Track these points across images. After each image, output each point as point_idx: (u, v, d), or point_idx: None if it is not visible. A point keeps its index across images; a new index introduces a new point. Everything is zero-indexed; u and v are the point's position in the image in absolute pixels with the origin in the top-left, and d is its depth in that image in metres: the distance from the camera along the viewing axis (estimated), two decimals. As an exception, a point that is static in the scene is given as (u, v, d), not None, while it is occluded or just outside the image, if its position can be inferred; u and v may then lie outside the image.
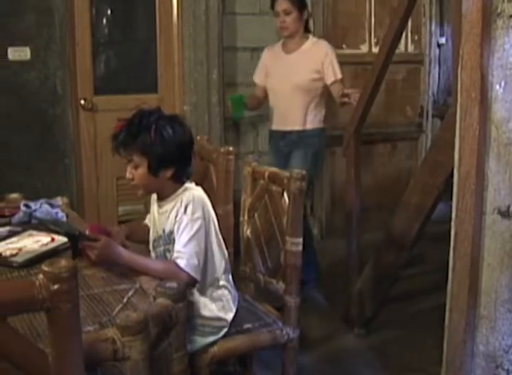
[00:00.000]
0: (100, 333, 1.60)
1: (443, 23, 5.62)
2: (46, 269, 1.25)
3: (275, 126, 4.09)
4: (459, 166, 2.06)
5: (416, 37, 5.35)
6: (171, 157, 2.26)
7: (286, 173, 2.55)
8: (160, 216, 2.39)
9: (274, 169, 2.71)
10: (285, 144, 3.97)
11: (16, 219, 2.73)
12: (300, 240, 2.52)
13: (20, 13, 3.85)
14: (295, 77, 3.90)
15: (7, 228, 2.63)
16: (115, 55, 4.43)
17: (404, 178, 5.31)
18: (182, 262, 2.19)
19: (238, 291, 2.70)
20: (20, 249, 2.33)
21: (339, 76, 3.93)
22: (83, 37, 4.16)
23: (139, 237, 2.57)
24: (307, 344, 3.20)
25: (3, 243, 2.41)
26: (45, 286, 1.23)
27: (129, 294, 1.96)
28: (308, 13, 4.02)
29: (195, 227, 2.25)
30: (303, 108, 3.96)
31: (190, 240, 2.22)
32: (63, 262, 1.26)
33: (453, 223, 2.11)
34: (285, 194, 2.55)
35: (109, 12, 4.32)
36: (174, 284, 1.82)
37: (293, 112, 3.96)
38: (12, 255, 2.27)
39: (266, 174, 2.69)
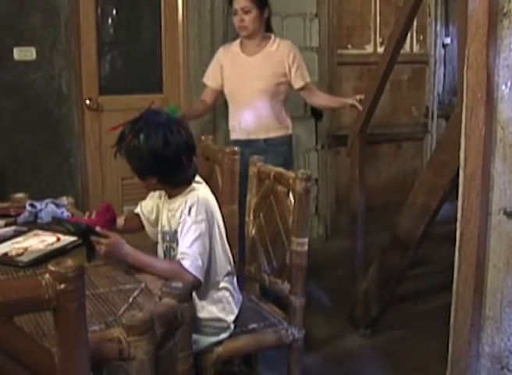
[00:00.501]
0: (106, 333, 1.60)
1: (448, 23, 5.62)
2: (52, 268, 1.25)
3: (238, 136, 3.77)
4: (464, 167, 2.06)
5: (421, 37, 5.35)
6: (148, 165, 2.26)
7: (292, 174, 2.55)
8: (168, 213, 2.39)
9: (279, 170, 2.71)
10: (251, 153, 3.23)
11: (21, 218, 2.73)
12: (306, 240, 2.52)
13: (26, 13, 3.86)
14: (259, 82, 3.64)
15: (13, 228, 2.64)
16: (121, 55, 4.43)
17: (409, 178, 5.32)
18: (186, 263, 2.19)
19: (243, 292, 2.70)
20: (26, 249, 2.33)
21: (308, 79, 3.74)
22: (88, 37, 4.17)
23: (132, 227, 2.60)
24: (312, 344, 3.20)
25: (9, 242, 2.42)
26: (52, 285, 1.24)
27: (135, 293, 1.96)
28: (270, 11, 3.72)
29: (199, 229, 2.25)
30: (268, 115, 3.68)
31: (194, 241, 2.22)
32: (69, 262, 1.26)
33: (458, 224, 2.11)
34: (290, 195, 2.55)
35: (114, 12, 4.32)
36: (180, 284, 1.82)
37: (258, 120, 3.68)
38: (18, 255, 2.27)
39: (272, 174, 2.69)
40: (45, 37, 3.94)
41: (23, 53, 3.90)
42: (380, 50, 5.00)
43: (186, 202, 2.29)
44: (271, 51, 3.69)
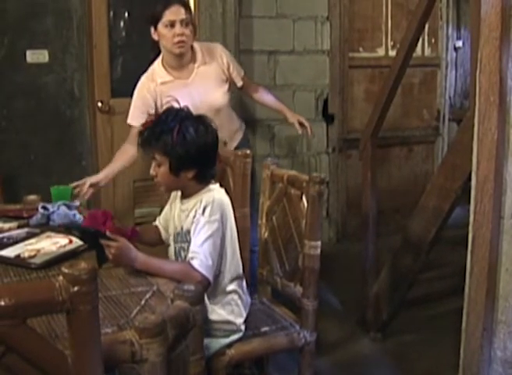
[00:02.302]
0: (118, 335, 1.60)
1: (460, 26, 5.60)
2: (66, 271, 1.25)
3: None
4: (477, 170, 2.06)
5: (433, 41, 5.34)
6: (192, 159, 2.26)
7: (305, 177, 2.56)
8: (181, 214, 2.39)
9: (293, 173, 2.71)
10: None
11: (34, 220, 2.74)
12: (319, 243, 2.52)
13: (39, 16, 3.88)
14: (210, 101, 3.29)
15: (25, 229, 2.66)
16: (132, 58, 4.44)
17: (421, 181, 5.30)
18: (196, 262, 2.19)
19: (255, 294, 2.70)
20: (38, 251, 2.34)
21: (242, 72, 3.53)
22: (100, 40, 4.18)
23: (149, 239, 2.57)
24: (322, 347, 3.19)
25: (21, 244, 2.43)
26: (65, 288, 1.24)
27: (147, 296, 1.97)
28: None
29: (212, 229, 2.25)
30: (227, 130, 3.38)
31: (205, 240, 2.22)
32: (83, 264, 1.27)
33: (470, 227, 2.11)
34: (303, 198, 2.55)
35: (126, 15, 4.33)
36: (192, 287, 1.82)
37: (226, 132, 3.33)
38: (31, 257, 2.28)
39: (285, 177, 2.69)
40: (58, 40, 3.96)
41: (36, 56, 3.92)
42: (391, 53, 5.00)
43: (201, 202, 2.29)
44: (204, 63, 3.35)
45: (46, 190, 3.01)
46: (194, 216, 2.28)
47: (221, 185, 2.45)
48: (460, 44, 5.63)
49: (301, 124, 3.54)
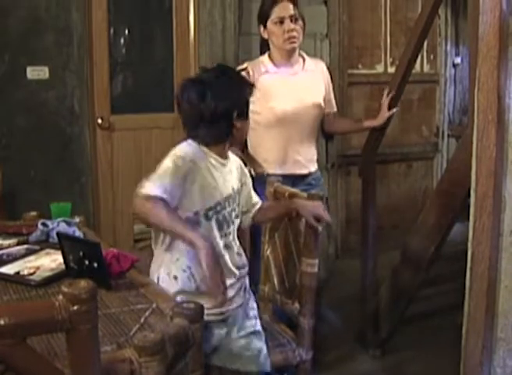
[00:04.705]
0: (117, 354, 1.60)
1: (459, 42, 5.62)
2: (65, 290, 1.26)
3: (279, 170, 3.19)
4: (476, 187, 2.07)
5: (432, 57, 5.37)
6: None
7: (304, 194, 2.56)
8: (227, 176, 2.40)
9: (294, 190, 2.72)
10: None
11: (33, 237, 2.74)
12: (316, 261, 2.52)
13: (39, 33, 3.90)
14: (313, 100, 3.24)
15: (25, 246, 2.65)
16: (132, 75, 4.47)
17: (420, 198, 5.31)
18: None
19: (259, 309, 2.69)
20: (38, 268, 2.34)
21: (335, 108, 3.46)
22: (100, 57, 4.20)
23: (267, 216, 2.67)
24: (321, 364, 3.19)
25: (21, 261, 2.42)
26: (65, 307, 1.24)
27: (147, 314, 1.96)
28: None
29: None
30: (313, 143, 3.33)
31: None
32: (82, 283, 1.27)
33: (469, 244, 2.11)
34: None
35: (127, 32, 4.36)
36: (191, 305, 1.82)
37: (308, 149, 3.29)
38: (30, 274, 2.28)
39: (286, 194, 2.70)
40: (58, 57, 3.97)
41: (36, 72, 3.93)
42: (391, 70, 5.02)
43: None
44: (311, 69, 3.31)
45: (46, 206, 3.01)
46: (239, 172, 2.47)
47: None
48: (458, 60, 5.65)
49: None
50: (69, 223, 2.83)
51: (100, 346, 1.36)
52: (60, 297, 1.25)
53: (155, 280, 2.33)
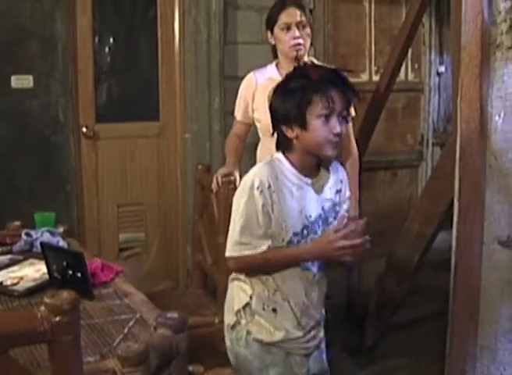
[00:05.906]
0: (100, 364, 1.60)
1: (443, 51, 5.66)
2: (48, 301, 1.25)
3: None
4: (459, 196, 2.08)
5: (416, 66, 5.39)
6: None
7: None
8: (317, 195, 2.16)
9: None
10: None
11: (17, 247, 2.73)
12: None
13: (24, 42, 3.88)
14: None
15: (8, 256, 2.64)
16: (117, 84, 4.45)
17: (405, 205, 5.32)
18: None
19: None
20: (21, 278, 2.33)
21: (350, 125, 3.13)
22: (85, 66, 4.19)
23: None
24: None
25: (4, 271, 2.42)
26: (47, 318, 1.24)
27: (130, 324, 1.96)
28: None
29: None
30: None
31: None
32: (65, 294, 1.27)
33: (453, 253, 2.12)
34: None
35: (111, 40, 4.35)
36: (175, 315, 1.81)
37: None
38: (13, 284, 2.27)
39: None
40: (42, 66, 3.95)
41: (21, 81, 3.92)
42: (375, 78, 5.03)
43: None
44: None
45: (30, 215, 2.99)
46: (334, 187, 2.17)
47: (202, 213, 2.41)
48: (442, 69, 5.68)
49: None
50: (52, 233, 2.82)
51: (83, 357, 1.35)
52: (42, 308, 1.25)
53: None
